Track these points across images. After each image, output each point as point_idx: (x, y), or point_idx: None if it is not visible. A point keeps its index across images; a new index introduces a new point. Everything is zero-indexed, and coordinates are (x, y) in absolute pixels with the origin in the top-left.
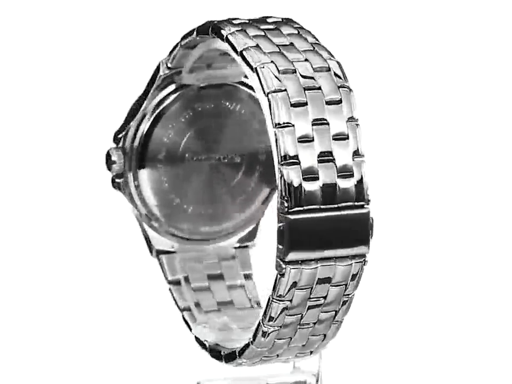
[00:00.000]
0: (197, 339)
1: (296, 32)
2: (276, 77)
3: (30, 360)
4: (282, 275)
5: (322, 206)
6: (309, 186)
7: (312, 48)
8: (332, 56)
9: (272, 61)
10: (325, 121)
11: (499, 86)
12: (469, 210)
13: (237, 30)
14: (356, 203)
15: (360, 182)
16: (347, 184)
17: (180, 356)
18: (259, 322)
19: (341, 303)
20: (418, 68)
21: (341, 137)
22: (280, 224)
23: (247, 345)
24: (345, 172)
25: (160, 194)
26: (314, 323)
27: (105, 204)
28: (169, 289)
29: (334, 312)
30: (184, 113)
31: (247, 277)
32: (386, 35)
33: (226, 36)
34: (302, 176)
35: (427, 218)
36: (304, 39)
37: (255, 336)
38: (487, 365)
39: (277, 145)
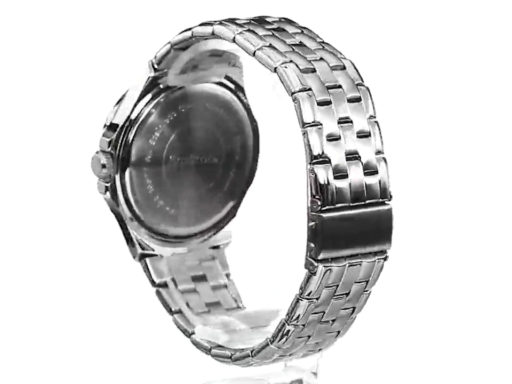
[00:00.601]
0: (195, 342)
1: (300, 31)
2: (298, 76)
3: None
4: (314, 273)
5: (351, 204)
6: (340, 184)
7: (322, 47)
8: (343, 55)
9: (291, 60)
10: (349, 119)
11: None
12: (479, 206)
13: (244, 30)
14: (380, 200)
15: (384, 178)
16: (372, 181)
17: (177, 358)
18: (282, 321)
19: (360, 299)
20: (409, 64)
21: (364, 135)
22: (312, 223)
23: (264, 345)
24: (370, 169)
25: (145, 197)
26: (333, 320)
27: (84, 209)
28: (157, 292)
29: (352, 309)
30: (169, 115)
31: (228, 276)
32: (371, 33)
33: (234, 36)
34: (333, 174)
35: (430, 216)
36: (311, 38)
37: (276, 335)
38: (485, 365)
39: (307, 144)
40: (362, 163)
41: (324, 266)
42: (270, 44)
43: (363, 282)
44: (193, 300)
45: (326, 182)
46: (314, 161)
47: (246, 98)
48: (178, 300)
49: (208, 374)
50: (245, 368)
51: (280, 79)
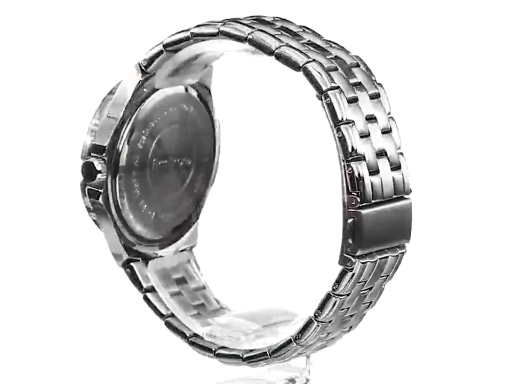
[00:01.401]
0: (196, 344)
1: (302, 30)
2: (325, 75)
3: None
4: (351, 270)
5: (383, 199)
6: (374, 180)
7: (330, 45)
8: (350, 52)
9: (314, 59)
10: (374, 116)
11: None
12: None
13: (255, 30)
14: (404, 194)
15: (405, 173)
16: (398, 176)
17: (169, 363)
18: (309, 318)
19: (377, 294)
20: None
21: (386, 131)
22: (351, 220)
23: (286, 343)
24: (395, 165)
25: (133, 201)
26: (352, 316)
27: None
28: (145, 297)
29: (369, 304)
30: (154, 119)
31: (202, 277)
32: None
33: (247, 36)
34: (368, 170)
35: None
36: (316, 37)
37: (301, 332)
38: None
39: (341, 141)
40: (388, 159)
41: (361, 262)
42: (287, 43)
43: (385, 277)
44: (182, 303)
45: (363, 178)
46: (350, 157)
47: (212, 99)
48: (169, 303)
49: (204, 377)
50: (237, 369)
51: (308, 78)
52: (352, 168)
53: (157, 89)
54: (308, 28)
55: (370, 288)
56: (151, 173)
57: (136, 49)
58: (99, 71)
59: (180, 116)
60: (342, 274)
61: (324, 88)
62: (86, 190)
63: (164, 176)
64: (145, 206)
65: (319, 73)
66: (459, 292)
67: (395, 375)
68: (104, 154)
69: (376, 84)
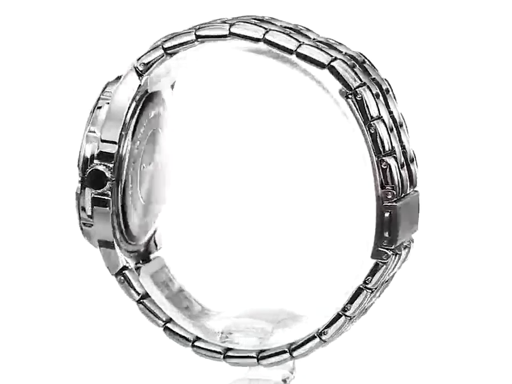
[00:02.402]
0: (199, 347)
1: (299, 29)
2: (351, 72)
3: None
4: (386, 263)
5: (408, 191)
6: (403, 173)
7: (332, 42)
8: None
9: (336, 57)
10: (391, 111)
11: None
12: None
13: (268, 30)
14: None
15: (417, 165)
16: (414, 168)
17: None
18: (338, 313)
19: (387, 286)
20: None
21: (401, 124)
22: (387, 214)
23: (308, 339)
24: (410, 158)
25: (126, 208)
26: (366, 309)
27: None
28: (141, 303)
29: (378, 297)
30: (143, 123)
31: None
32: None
33: (263, 36)
34: (398, 164)
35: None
36: (316, 34)
37: (328, 327)
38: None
39: (374, 137)
40: (407, 152)
41: (394, 254)
42: (303, 42)
43: (398, 267)
44: (177, 305)
45: (397, 172)
46: (385, 152)
47: (172, 99)
48: (166, 307)
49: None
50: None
51: (335, 76)
52: (387, 162)
53: (148, 93)
54: (302, 26)
55: (387, 281)
56: (140, 178)
57: (118, 53)
58: (83, 74)
59: (157, 119)
60: (376, 267)
61: (354, 85)
62: (91, 198)
63: (146, 181)
64: (134, 213)
65: (346, 71)
66: (447, 287)
67: (379, 371)
68: (112, 161)
69: (384, 79)
